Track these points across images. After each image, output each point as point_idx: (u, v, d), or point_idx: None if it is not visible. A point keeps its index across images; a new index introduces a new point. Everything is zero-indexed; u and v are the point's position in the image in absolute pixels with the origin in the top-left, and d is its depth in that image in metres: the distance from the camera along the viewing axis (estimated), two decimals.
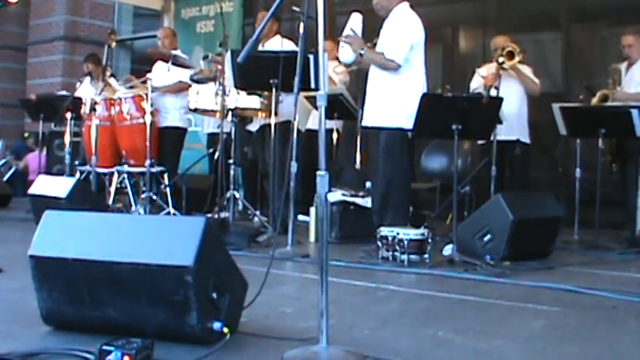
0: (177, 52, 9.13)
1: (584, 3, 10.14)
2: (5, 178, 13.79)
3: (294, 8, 6.87)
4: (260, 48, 8.08)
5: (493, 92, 7.80)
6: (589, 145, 7.87)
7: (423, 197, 8.82)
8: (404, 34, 6.84)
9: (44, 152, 12.44)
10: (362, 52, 6.88)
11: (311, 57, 6.76)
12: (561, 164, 9.64)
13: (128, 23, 19.37)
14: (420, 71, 6.92)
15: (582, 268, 6.30)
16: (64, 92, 10.62)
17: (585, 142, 7.98)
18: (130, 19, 19.46)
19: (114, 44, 9.26)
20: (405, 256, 6.10)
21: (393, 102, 6.85)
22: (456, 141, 6.29)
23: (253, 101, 7.93)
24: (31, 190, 8.14)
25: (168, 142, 8.99)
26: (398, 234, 6.18)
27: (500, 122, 7.59)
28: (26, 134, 15.99)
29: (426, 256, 6.15)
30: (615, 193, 8.08)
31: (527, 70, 8.48)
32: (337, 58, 7.99)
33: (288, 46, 7.87)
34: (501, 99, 7.01)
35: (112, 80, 9.45)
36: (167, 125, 9.05)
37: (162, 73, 8.82)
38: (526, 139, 8.50)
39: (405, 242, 6.12)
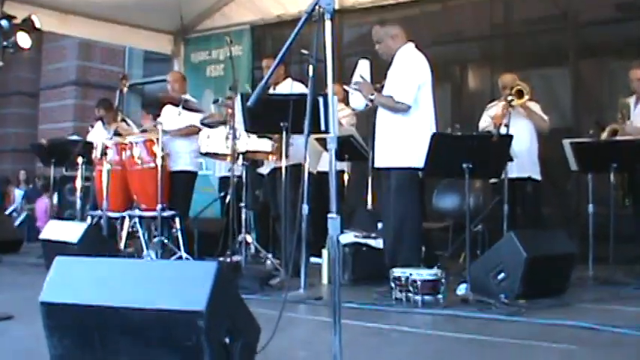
0: (187, 97, 9.15)
1: (591, 37, 10.16)
2: (17, 223, 13.83)
3: (303, 51, 6.90)
4: (271, 92, 8.12)
5: (503, 130, 7.79)
6: (601, 180, 7.83)
7: (435, 237, 8.78)
8: (410, 74, 6.86)
9: (55, 197, 12.45)
10: (372, 97, 6.91)
11: (320, 99, 6.76)
12: (573, 200, 9.60)
13: (139, 67, 19.51)
14: (428, 110, 6.93)
15: (598, 304, 6.25)
16: (75, 137, 10.64)
17: (597, 177, 7.95)
18: (140, 64, 19.59)
19: (126, 89, 9.31)
20: (418, 297, 6.06)
21: (402, 142, 6.85)
22: (467, 180, 6.28)
23: (264, 144, 7.94)
24: (43, 235, 8.15)
25: (179, 185, 8.99)
26: (411, 275, 6.15)
27: (511, 160, 7.58)
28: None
29: (440, 296, 6.10)
30: (629, 228, 8.03)
31: (536, 107, 8.48)
32: (342, 101, 8.04)
33: (298, 88, 7.89)
34: (511, 136, 7.01)
35: (123, 124, 9.50)
36: (178, 169, 9.05)
37: (172, 117, 8.85)
38: (537, 176, 8.48)
39: (419, 283, 6.08)
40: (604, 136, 8.10)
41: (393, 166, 6.90)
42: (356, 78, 6.97)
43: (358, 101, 7.06)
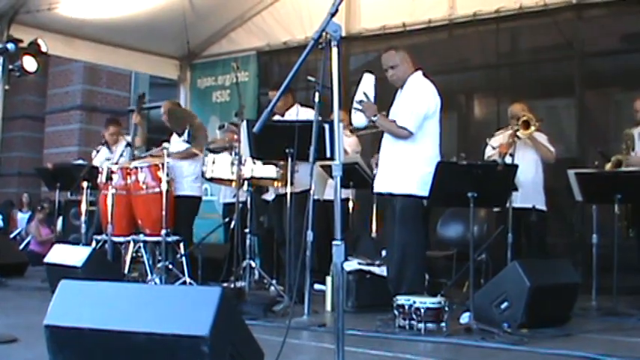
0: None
1: (597, 68, 10.19)
2: (21, 247, 13.83)
3: (310, 78, 6.93)
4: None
5: (508, 159, 7.81)
6: (605, 211, 7.83)
7: (439, 265, 8.77)
8: (419, 103, 6.87)
9: (59, 221, 12.46)
10: (374, 118, 6.91)
11: (326, 126, 6.78)
12: (578, 230, 9.59)
13: (145, 92, 19.54)
14: (433, 139, 6.93)
15: (601, 334, 6.22)
16: (80, 161, 10.68)
17: (602, 207, 7.95)
18: (146, 88, 19.62)
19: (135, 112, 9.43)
20: (421, 325, 6.05)
21: (407, 169, 6.85)
22: (472, 209, 6.28)
23: (269, 171, 7.96)
24: (47, 259, 8.15)
25: (183, 210, 8.98)
26: (414, 302, 6.14)
27: (516, 189, 7.58)
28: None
29: (443, 324, 6.09)
30: (633, 259, 8.02)
31: (542, 137, 8.50)
32: (347, 128, 8.07)
33: (304, 114, 7.90)
34: (516, 166, 7.02)
35: (127, 149, 9.55)
36: (181, 194, 9.04)
37: (177, 143, 8.88)
38: (542, 206, 8.48)
39: (422, 311, 6.08)
40: (608, 167, 8.11)
41: (396, 192, 6.90)
42: (359, 95, 6.96)
43: (359, 119, 7.05)
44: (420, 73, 7.04)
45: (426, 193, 6.55)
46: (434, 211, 8.44)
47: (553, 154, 8.54)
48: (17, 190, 18.43)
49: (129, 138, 9.83)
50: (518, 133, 8.13)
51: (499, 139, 8.53)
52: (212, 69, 13.13)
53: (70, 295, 3.68)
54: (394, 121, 6.90)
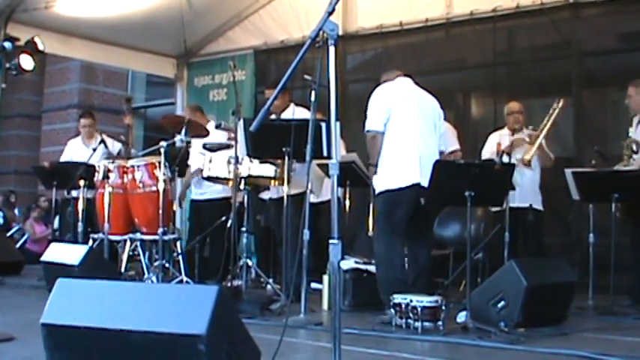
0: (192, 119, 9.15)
1: (594, 67, 10.19)
2: (18, 245, 13.82)
3: (306, 76, 6.93)
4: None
5: (505, 159, 7.81)
6: (602, 210, 7.83)
7: (436, 264, 8.78)
8: (372, 103, 7.01)
9: (56, 219, 12.45)
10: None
11: (323, 125, 6.78)
12: (575, 229, 9.59)
13: (141, 91, 19.58)
14: (404, 135, 6.96)
15: (597, 334, 6.23)
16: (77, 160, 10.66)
17: (598, 206, 7.95)
18: (143, 87, 19.66)
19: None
20: (418, 324, 6.05)
21: (382, 167, 6.96)
22: (469, 208, 6.29)
23: (266, 169, 7.95)
24: (44, 258, 8.14)
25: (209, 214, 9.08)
26: (411, 301, 6.14)
27: (513, 188, 7.58)
28: None
29: (440, 323, 6.09)
30: (630, 258, 8.01)
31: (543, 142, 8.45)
32: None
33: (300, 113, 7.91)
34: (513, 165, 7.03)
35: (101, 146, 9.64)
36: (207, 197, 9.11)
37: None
38: (539, 206, 8.49)
39: (419, 309, 6.08)
40: None
41: (376, 191, 7.01)
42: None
43: None
44: (397, 80, 7.27)
45: (397, 186, 6.78)
46: (431, 210, 8.42)
47: (552, 161, 8.55)
48: (14, 188, 18.38)
49: (105, 136, 9.86)
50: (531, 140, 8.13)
51: (495, 138, 8.55)
52: (209, 67, 13.12)
53: (67, 293, 3.68)
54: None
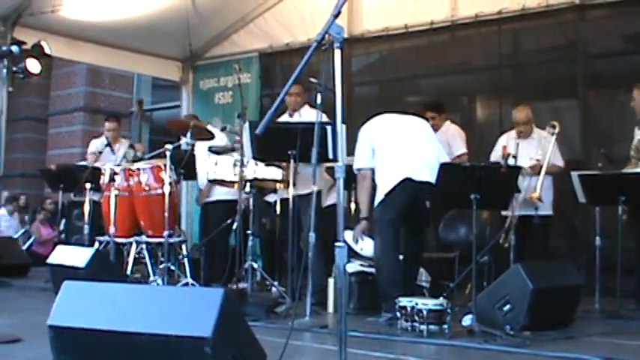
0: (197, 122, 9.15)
1: (600, 69, 10.18)
2: (24, 247, 13.84)
3: (312, 79, 6.93)
4: (292, 119, 8.16)
5: (511, 161, 7.78)
6: (609, 213, 7.81)
7: (441, 267, 8.77)
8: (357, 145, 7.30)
9: (62, 222, 12.47)
10: (365, 215, 7.31)
11: (328, 128, 6.77)
12: (581, 232, 9.56)
13: (147, 94, 19.60)
14: (392, 151, 7.15)
15: (604, 337, 6.22)
16: (83, 162, 10.68)
17: (605, 209, 7.92)
18: (148, 90, 19.67)
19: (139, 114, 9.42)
20: (424, 327, 6.04)
21: (378, 185, 7.18)
22: (474, 210, 6.28)
23: (272, 172, 7.95)
24: (50, 260, 8.16)
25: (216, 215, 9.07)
26: (417, 304, 6.14)
27: (519, 191, 7.55)
28: None
29: (446, 326, 6.09)
30: (636, 261, 7.99)
31: (556, 150, 8.32)
32: None
33: (312, 114, 7.85)
34: (519, 168, 7.01)
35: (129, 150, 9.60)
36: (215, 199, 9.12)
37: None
38: (547, 212, 8.39)
39: (424, 312, 6.08)
40: None
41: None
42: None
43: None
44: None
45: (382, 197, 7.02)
46: (437, 213, 8.41)
47: (563, 167, 8.43)
48: (21, 191, 18.41)
49: (127, 141, 9.86)
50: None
51: (502, 141, 8.51)
52: (214, 71, 13.12)
53: (74, 295, 3.69)
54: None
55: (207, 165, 8.37)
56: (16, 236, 14.28)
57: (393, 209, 6.98)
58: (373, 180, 7.18)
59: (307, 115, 8.12)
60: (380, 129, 7.32)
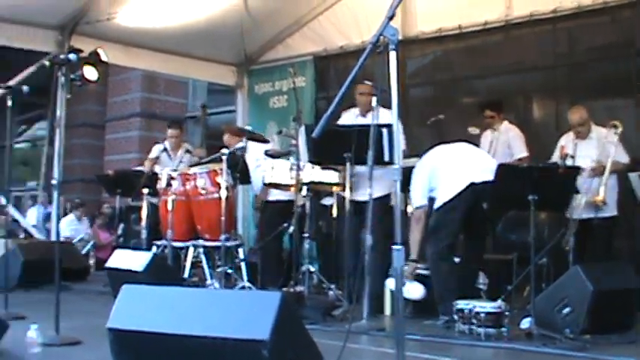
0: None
1: None
2: (83, 252, 14.00)
3: (367, 82, 6.91)
4: (366, 120, 8.09)
5: (569, 162, 7.68)
6: None
7: (499, 269, 8.70)
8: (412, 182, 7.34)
9: (120, 226, 12.59)
10: (413, 257, 7.26)
11: (384, 130, 6.75)
12: None
13: (202, 99, 19.68)
14: (455, 170, 7.17)
15: None
16: (140, 168, 10.78)
17: None
18: (204, 95, 19.77)
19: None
20: (481, 330, 6.01)
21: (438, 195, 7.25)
22: (532, 212, 6.22)
23: (328, 176, 7.94)
24: (109, 264, 8.25)
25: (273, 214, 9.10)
26: (474, 307, 6.10)
27: (578, 192, 7.45)
28: None
29: (504, 329, 6.04)
30: None
31: (620, 148, 8.17)
32: None
33: (385, 114, 7.75)
34: (578, 168, 6.94)
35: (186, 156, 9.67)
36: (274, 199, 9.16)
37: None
38: (612, 212, 8.22)
39: (482, 315, 6.04)
40: None
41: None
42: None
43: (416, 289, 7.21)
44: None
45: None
46: (495, 214, 8.34)
47: (628, 163, 8.24)
48: (79, 196, 18.61)
49: (188, 145, 9.91)
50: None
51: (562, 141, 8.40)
52: (269, 75, 13.14)
53: (132, 299, 3.73)
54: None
55: (264, 169, 8.40)
56: (75, 241, 14.45)
57: (453, 213, 6.95)
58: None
59: (381, 114, 8.01)
60: (434, 157, 7.38)
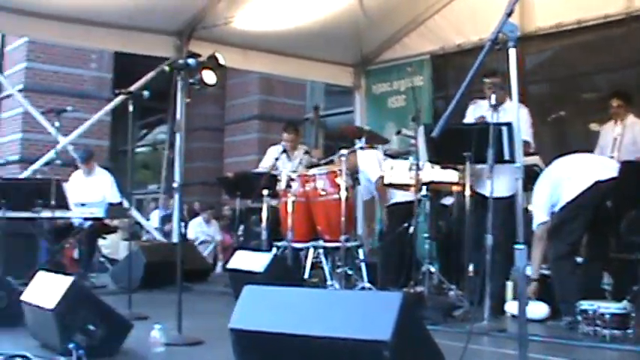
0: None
1: None
2: (205, 253, 14.24)
3: (485, 79, 6.84)
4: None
5: None
6: None
7: (624, 269, 8.48)
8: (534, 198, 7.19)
9: (240, 228, 12.76)
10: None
11: (504, 128, 6.65)
12: None
13: (320, 100, 19.80)
14: (578, 170, 7.01)
15: None
16: (260, 170, 10.90)
17: None
18: (321, 96, 19.88)
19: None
20: (606, 331, 5.86)
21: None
22: None
23: (448, 175, 7.88)
24: (230, 265, 8.36)
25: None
26: (599, 308, 5.97)
27: None
28: None
29: (630, 331, 5.88)
30: None
31: None
32: None
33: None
34: None
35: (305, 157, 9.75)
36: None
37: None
38: None
39: (607, 316, 5.90)
40: None
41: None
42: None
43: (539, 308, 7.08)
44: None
45: None
46: (618, 212, 8.15)
47: None
48: (200, 198, 18.96)
49: (306, 147, 9.98)
50: None
51: None
52: (386, 75, 13.13)
53: (254, 299, 3.77)
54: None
55: (383, 169, 8.40)
56: (197, 242, 14.71)
57: (578, 212, 6.82)
58: None
59: (509, 108, 7.83)
60: (555, 168, 7.23)
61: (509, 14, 3.71)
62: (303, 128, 10.54)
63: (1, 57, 19.22)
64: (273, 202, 9.83)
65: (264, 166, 10.30)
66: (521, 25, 10.62)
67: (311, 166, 9.68)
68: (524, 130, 7.34)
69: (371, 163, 9.19)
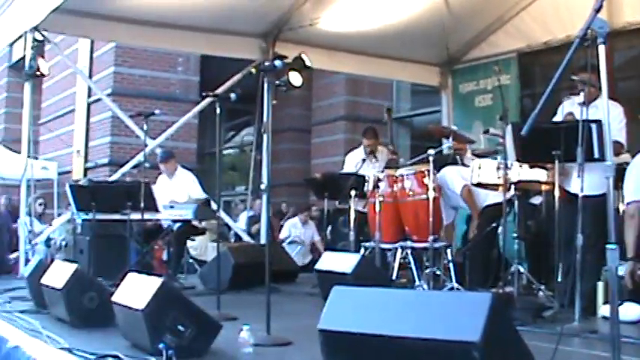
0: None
1: None
2: (293, 254, 14.30)
3: (573, 77, 6.74)
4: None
5: None
6: None
7: None
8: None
9: (328, 228, 12.78)
10: None
11: (593, 126, 6.54)
12: None
13: (406, 100, 19.78)
14: None
15: None
16: (344, 171, 10.93)
17: None
18: (408, 97, 19.83)
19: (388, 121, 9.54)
20: None
21: None
22: None
23: (536, 174, 7.79)
24: (318, 266, 8.39)
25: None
26: None
27: None
28: None
29: None
30: None
31: None
32: None
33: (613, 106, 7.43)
34: None
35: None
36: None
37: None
38: None
39: None
40: None
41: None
42: None
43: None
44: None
45: None
46: None
47: None
48: (287, 199, 19.06)
49: (390, 147, 9.98)
50: None
51: None
52: (473, 73, 13.05)
53: (342, 300, 3.78)
54: None
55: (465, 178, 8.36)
56: (284, 244, 14.78)
57: None
58: None
59: (601, 106, 7.66)
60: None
61: (597, 10, 3.66)
62: (384, 129, 10.55)
63: (90, 62, 19.58)
64: (360, 206, 9.86)
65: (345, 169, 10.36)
66: (609, 21, 10.45)
67: (394, 166, 9.67)
68: (615, 130, 7.14)
69: (453, 175, 9.15)
